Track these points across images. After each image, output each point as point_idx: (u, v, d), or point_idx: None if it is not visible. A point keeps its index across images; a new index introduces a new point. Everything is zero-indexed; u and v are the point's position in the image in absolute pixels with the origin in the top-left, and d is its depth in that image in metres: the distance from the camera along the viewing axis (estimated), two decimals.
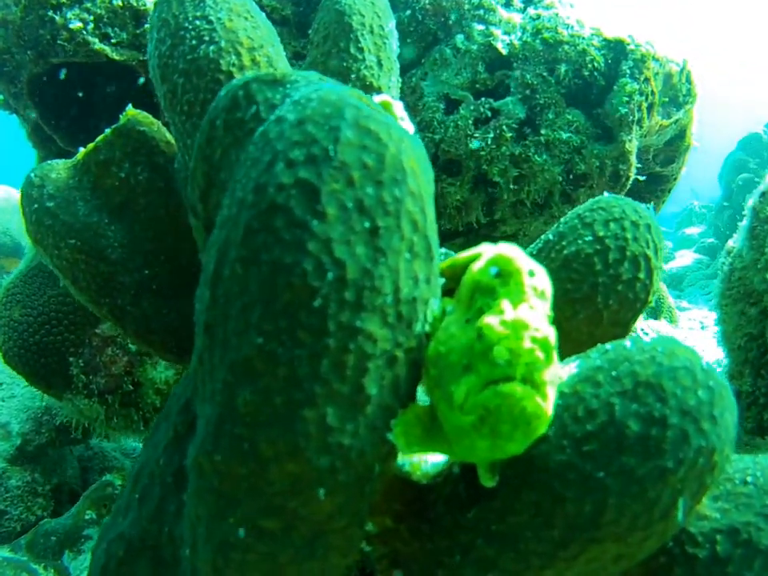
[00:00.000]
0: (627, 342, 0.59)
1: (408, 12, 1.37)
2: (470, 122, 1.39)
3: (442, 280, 0.65)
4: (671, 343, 0.58)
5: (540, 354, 0.49)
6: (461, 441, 0.55)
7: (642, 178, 1.55)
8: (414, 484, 0.72)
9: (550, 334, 0.51)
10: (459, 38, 1.36)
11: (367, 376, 0.56)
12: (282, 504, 0.58)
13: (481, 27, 1.35)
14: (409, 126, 0.99)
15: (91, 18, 1.25)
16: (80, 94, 1.40)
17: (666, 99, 1.53)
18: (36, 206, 1.03)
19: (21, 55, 1.30)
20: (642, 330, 2.56)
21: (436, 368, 0.58)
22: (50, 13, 1.23)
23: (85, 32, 1.25)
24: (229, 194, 0.58)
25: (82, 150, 1.07)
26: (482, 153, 1.38)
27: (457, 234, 1.66)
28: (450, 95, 1.39)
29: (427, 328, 0.60)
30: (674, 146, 1.76)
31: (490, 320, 0.51)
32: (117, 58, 1.26)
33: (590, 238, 0.86)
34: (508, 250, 0.56)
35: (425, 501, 0.70)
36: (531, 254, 0.92)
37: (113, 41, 1.25)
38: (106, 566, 0.80)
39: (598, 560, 0.58)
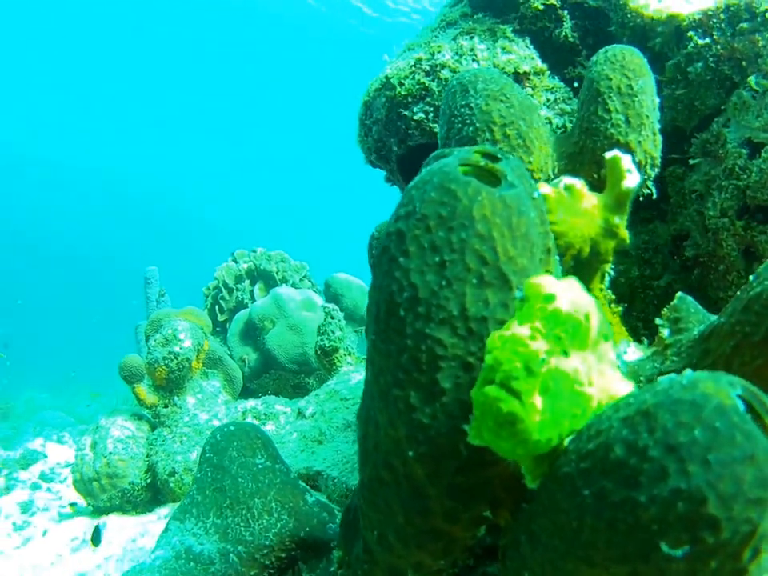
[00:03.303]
0: (682, 374, 0.64)
1: (700, 63, 1.41)
2: None
3: None
4: (705, 377, 0.59)
5: (518, 365, 0.65)
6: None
7: None
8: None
9: (540, 349, 0.65)
10: (754, 78, 1.33)
11: (440, 372, 0.78)
12: (390, 461, 0.85)
13: None
14: (634, 178, 1.14)
15: (431, 109, 1.70)
16: None
17: None
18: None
19: (388, 142, 1.84)
20: None
21: None
22: (402, 110, 1.73)
23: (426, 120, 1.71)
24: None
25: None
26: None
27: None
28: (752, 139, 1.36)
29: None
30: None
31: (495, 333, 0.69)
32: None
33: None
34: (539, 278, 0.72)
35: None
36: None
37: None
38: None
39: None
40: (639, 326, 1.69)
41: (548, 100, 1.58)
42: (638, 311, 1.68)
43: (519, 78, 1.57)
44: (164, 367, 3.26)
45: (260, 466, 1.49)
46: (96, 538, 2.43)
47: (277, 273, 5.31)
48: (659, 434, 0.57)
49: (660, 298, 1.62)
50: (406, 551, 0.88)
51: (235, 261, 5.40)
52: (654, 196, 1.22)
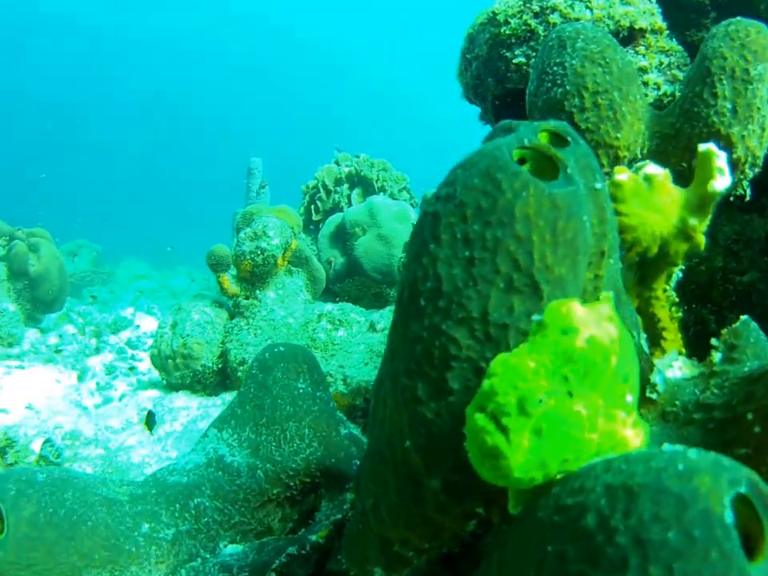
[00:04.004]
0: (685, 449, 0.54)
1: None
2: None
3: None
4: (707, 467, 0.50)
5: (512, 400, 0.58)
6: None
7: None
8: None
9: (540, 388, 0.58)
10: None
11: (450, 372, 0.73)
12: (392, 442, 0.81)
13: None
14: (724, 181, 1.00)
15: (533, 54, 1.54)
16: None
17: None
18: None
19: (486, 81, 1.70)
20: None
21: None
22: (504, 50, 1.58)
23: (527, 65, 1.56)
24: None
25: None
26: None
27: None
28: None
29: None
30: None
31: (500, 357, 0.62)
32: None
33: None
34: (564, 304, 0.63)
35: None
36: None
37: None
38: None
39: None
40: (711, 319, 1.55)
41: (660, 63, 1.39)
42: (712, 304, 1.53)
43: (633, 34, 1.38)
44: (250, 261, 3.33)
45: (301, 391, 1.50)
46: (150, 422, 2.59)
47: (376, 181, 5.25)
48: (633, 521, 0.50)
49: (739, 295, 1.46)
50: (395, 527, 0.86)
51: (337, 163, 5.36)
52: (748, 198, 1.07)
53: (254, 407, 1.48)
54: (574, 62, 1.11)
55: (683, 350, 1.11)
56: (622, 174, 0.98)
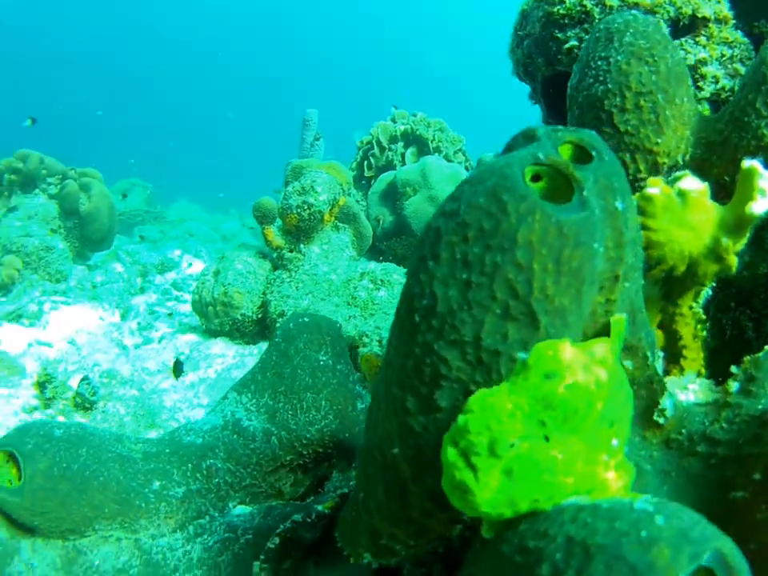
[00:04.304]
0: (656, 509, 0.51)
1: None
2: None
3: None
4: (671, 537, 0.48)
5: (482, 440, 0.56)
6: None
7: None
8: None
9: (514, 431, 0.56)
10: None
11: (439, 390, 0.71)
12: (383, 447, 0.80)
13: None
14: (765, 203, 0.93)
15: (586, 37, 1.45)
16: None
17: None
18: None
19: (537, 60, 1.61)
20: None
21: None
22: (556, 31, 1.49)
23: (578, 49, 1.47)
24: None
25: None
26: None
27: None
28: None
29: None
30: None
31: (480, 392, 0.60)
32: None
33: None
34: (553, 346, 0.60)
35: None
36: None
37: None
38: None
39: None
40: (749, 326, 1.48)
41: (722, 55, 1.28)
42: (752, 310, 1.45)
43: (695, 23, 1.28)
44: (296, 215, 3.32)
45: (321, 363, 1.50)
46: (177, 370, 2.63)
47: (432, 141, 5.13)
48: None
49: None
50: (382, 523, 0.87)
51: (394, 120, 5.26)
52: None
53: (274, 375, 1.49)
54: (619, 57, 1.04)
55: (703, 371, 1.06)
56: (654, 188, 0.92)
